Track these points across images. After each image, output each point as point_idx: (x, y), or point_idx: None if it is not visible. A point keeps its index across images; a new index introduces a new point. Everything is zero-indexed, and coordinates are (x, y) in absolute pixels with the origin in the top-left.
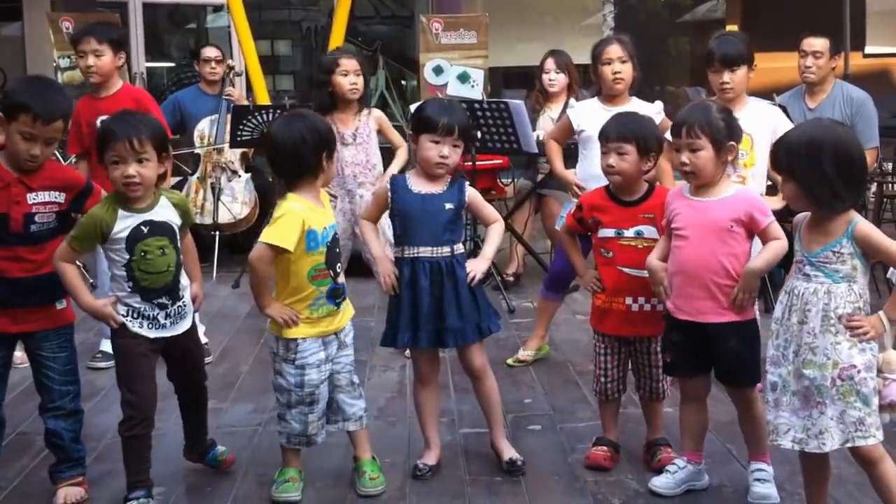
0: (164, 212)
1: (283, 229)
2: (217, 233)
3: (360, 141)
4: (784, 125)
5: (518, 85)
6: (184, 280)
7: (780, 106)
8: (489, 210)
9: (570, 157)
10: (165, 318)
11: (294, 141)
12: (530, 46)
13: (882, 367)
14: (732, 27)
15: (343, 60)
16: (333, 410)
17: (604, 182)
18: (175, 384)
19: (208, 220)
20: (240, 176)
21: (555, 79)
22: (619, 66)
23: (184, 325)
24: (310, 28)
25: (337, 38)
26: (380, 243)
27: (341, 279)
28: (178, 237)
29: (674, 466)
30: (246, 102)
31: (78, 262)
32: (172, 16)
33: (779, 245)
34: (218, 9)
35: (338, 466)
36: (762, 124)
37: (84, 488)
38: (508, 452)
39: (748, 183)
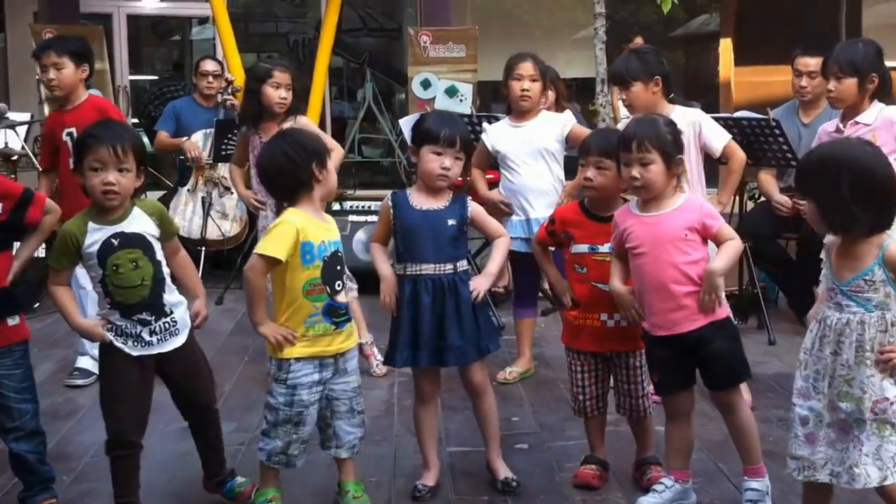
0: (138, 222)
1: (274, 240)
2: (203, 248)
3: None
4: (705, 122)
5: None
6: (171, 297)
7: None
8: (494, 225)
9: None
10: (150, 336)
11: (276, 162)
12: None
13: None
14: (726, 41)
15: (277, 72)
16: (328, 437)
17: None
18: (179, 408)
19: (196, 235)
20: (232, 193)
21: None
22: (529, 84)
23: (174, 343)
24: (297, 41)
25: (324, 50)
26: (388, 263)
27: (341, 298)
28: (156, 249)
29: (661, 486)
30: None
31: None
32: (157, 28)
33: (735, 245)
34: (203, 21)
35: (320, 485)
36: (684, 130)
37: None
38: (504, 472)
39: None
